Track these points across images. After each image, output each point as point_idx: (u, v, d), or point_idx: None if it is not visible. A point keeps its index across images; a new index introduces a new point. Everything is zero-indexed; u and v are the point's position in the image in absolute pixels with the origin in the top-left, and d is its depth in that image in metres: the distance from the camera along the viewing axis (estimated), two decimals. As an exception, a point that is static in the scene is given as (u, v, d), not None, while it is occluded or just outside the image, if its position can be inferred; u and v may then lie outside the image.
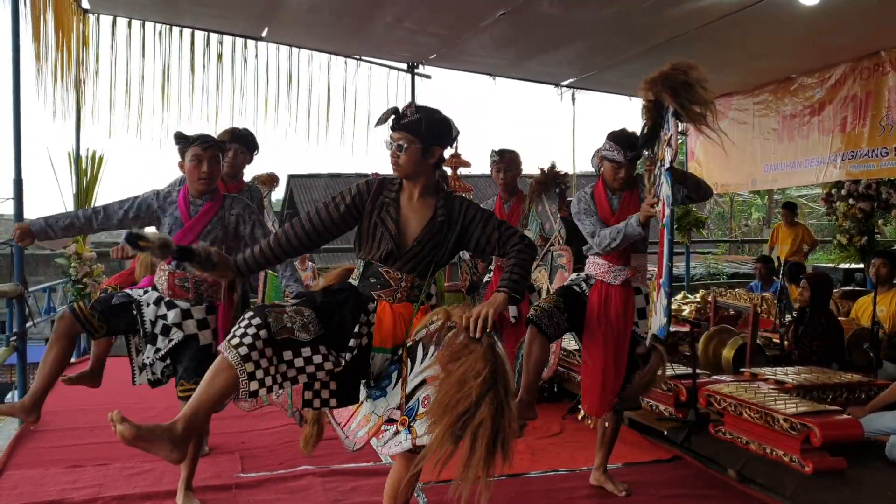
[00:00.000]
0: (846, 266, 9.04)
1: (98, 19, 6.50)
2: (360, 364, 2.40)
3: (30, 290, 5.01)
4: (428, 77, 7.73)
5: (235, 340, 2.15)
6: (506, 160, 4.64)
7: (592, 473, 3.63)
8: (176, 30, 6.66)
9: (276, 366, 2.19)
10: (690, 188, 3.24)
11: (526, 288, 2.44)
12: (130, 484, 3.55)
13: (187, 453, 3.19)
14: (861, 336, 5.09)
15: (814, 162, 7.38)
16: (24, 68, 4.74)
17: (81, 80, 6.40)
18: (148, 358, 3.17)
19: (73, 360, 7.06)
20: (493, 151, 4.66)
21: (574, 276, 3.67)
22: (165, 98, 6.73)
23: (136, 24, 6.54)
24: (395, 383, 2.39)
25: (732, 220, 23.93)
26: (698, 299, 6.44)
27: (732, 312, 6.13)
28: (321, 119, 7.34)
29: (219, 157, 3.21)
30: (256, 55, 6.98)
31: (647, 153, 3.29)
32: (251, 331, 2.16)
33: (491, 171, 4.72)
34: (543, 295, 4.25)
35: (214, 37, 6.80)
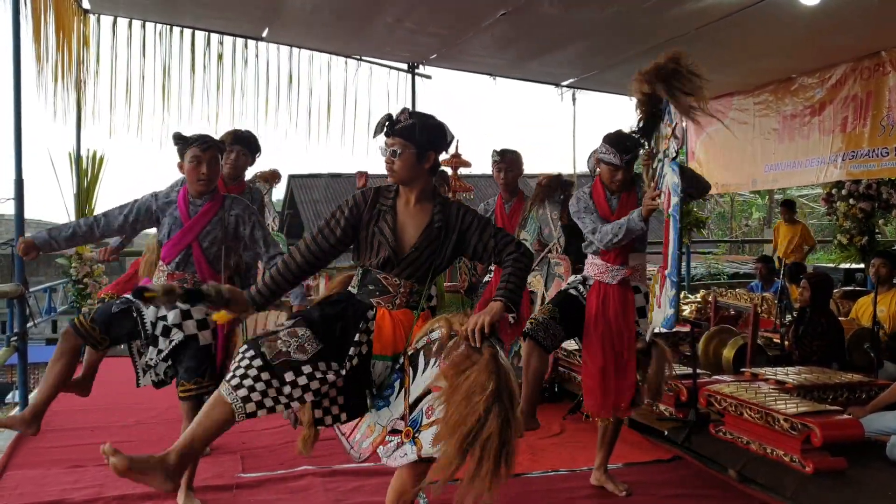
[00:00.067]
0: (847, 266, 9.05)
1: (98, 20, 6.50)
2: (361, 373, 2.41)
3: (30, 290, 5.01)
4: (428, 77, 7.73)
5: (235, 381, 2.17)
6: (507, 160, 4.64)
7: (593, 473, 3.63)
8: (176, 30, 6.66)
9: (277, 388, 2.19)
10: (688, 182, 3.23)
11: (521, 295, 2.44)
12: (131, 484, 3.51)
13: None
14: (861, 336, 5.09)
15: (814, 162, 7.38)
16: (25, 68, 4.75)
17: (82, 80, 6.40)
18: (151, 360, 3.17)
19: (73, 360, 7.07)
20: (494, 151, 4.66)
21: (572, 278, 3.67)
22: (166, 98, 6.74)
23: (136, 24, 6.55)
24: (398, 393, 2.38)
25: (733, 220, 23.91)
26: (699, 299, 6.45)
27: (733, 312, 6.13)
28: (321, 119, 7.35)
29: (218, 157, 3.20)
30: (257, 55, 6.99)
31: (643, 148, 3.29)
32: (244, 363, 2.19)
33: (492, 170, 4.72)
34: (538, 301, 4.25)
35: (215, 37, 6.81)
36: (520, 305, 2.49)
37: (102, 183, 7.01)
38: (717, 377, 4.55)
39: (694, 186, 3.25)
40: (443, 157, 7.90)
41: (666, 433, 4.28)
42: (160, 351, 3.14)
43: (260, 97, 7.06)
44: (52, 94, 5.90)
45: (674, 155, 2.94)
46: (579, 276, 3.58)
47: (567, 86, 8.24)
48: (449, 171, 8.31)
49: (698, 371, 4.38)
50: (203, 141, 3.15)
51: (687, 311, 6.15)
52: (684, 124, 2.92)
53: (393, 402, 2.39)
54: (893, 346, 5.20)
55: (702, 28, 5.83)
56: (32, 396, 5.30)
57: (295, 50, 7.12)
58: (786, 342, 5.06)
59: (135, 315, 3.15)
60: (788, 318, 5.22)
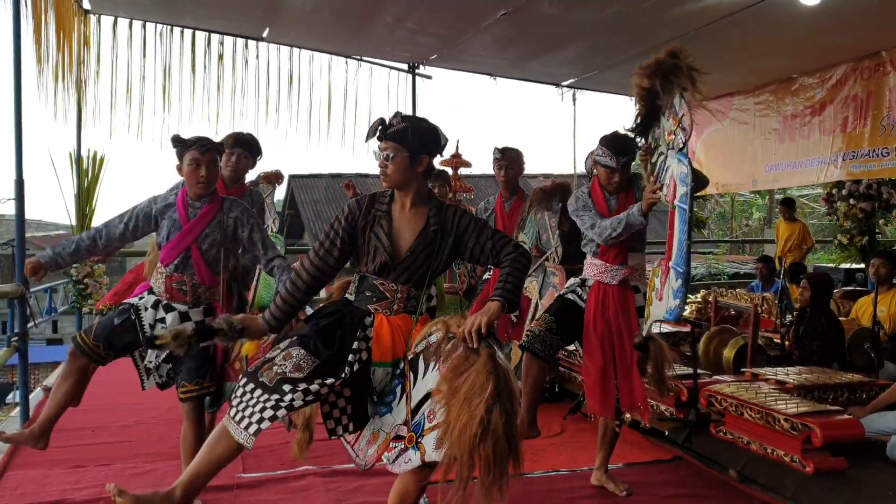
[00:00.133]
0: (847, 266, 9.05)
1: (99, 20, 6.51)
2: (362, 381, 2.42)
3: (31, 290, 5.01)
4: (429, 77, 7.74)
5: (238, 416, 2.22)
6: (508, 158, 4.64)
7: (593, 473, 3.63)
8: (177, 30, 6.67)
9: (277, 399, 2.23)
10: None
11: (519, 296, 2.44)
12: (132, 484, 3.55)
13: (190, 454, 3.21)
14: (862, 336, 5.08)
15: (815, 162, 7.38)
16: (26, 69, 4.74)
17: (82, 80, 6.41)
18: (150, 362, 3.18)
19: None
20: (495, 149, 4.67)
21: (571, 280, 3.66)
22: (166, 98, 6.75)
23: (136, 24, 6.55)
24: (400, 399, 2.38)
25: (733, 220, 23.90)
26: (699, 299, 6.44)
27: (733, 312, 6.13)
28: (322, 119, 7.36)
29: (217, 160, 3.20)
30: (257, 56, 7.00)
31: (639, 148, 3.29)
32: (246, 397, 2.24)
33: (493, 168, 4.72)
34: (531, 308, 4.24)
35: (215, 37, 6.81)
36: (518, 306, 2.47)
37: (103, 183, 7.02)
38: (717, 377, 4.54)
39: (693, 179, 3.24)
40: (443, 157, 7.92)
41: (666, 433, 4.27)
42: (158, 354, 3.15)
43: (260, 97, 7.08)
44: (52, 95, 5.93)
45: (681, 146, 2.93)
46: (577, 279, 3.58)
47: (567, 86, 8.25)
48: (449, 171, 8.30)
49: (699, 371, 4.38)
50: (202, 143, 3.14)
51: (687, 311, 6.14)
52: (691, 115, 2.91)
53: (395, 408, 2.39)
54: (894, 346, 5.20)
55: (702, 28, 5.84)
56: (33, 397, 5.30)
57: (295, 50, 7.13)
58: (786, 342, 5.05)
59: (132, 317, 3.16)
60: (789, 318, 5.22)
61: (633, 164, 3.49)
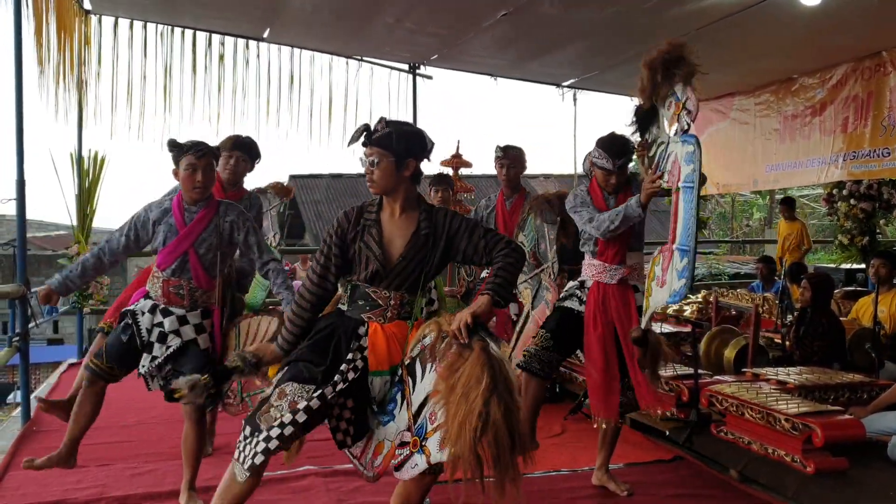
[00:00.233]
0: (847, 266, 9.05)
1: (100, 20, 6.51)
2: (359, 391, 2.42)
3: (32, 290, 5.01)
4: (429, 78, 7.74)
5: (245, 460, 2.33)
6: (510, 156, 4.64)
7: (594, 473, 3.63)
8: (178, 31, 6.67)
9: (280, 433, 2.33)
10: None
11: (511, 291, 2.43)
12: (133, 484, 3.56)
13: (190, 453, 3.22)
14: (862, 336, 5.08)
15: (815, 162, 7.38)
16: (27, 69, 4.76)
17: (83, 80, 6.41)
18: (143, 366, 3.18)
19: (74, 360, 7.08)
20: (497, 147, 4.67)
21: (569, 284, 3.65)
22: (167, 99, 6.75)
23: (137, 24, 6.55)
24: (401, 405, 2.38)
25: (734, 220, 23.89)
26: (700, 299, 6.43)
27: (734, 313, 6.12)
28: (323, 119, 7.35)
29: (213, 164, 3.20)
30: (258, 56, 6.99)
31: (636, 149, 3.28)
32: (252, 441, 2.33)
33: (495, 166, 4.72)
34: (522, 317, 4.24)
35: (216, 38, 6.81)
36: (509, 300, 2.46)
37: (104, 184, 7.00)
38: (718, 377, 4.54)
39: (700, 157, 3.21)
40: (444, 157, 7.86)
41: (667, 433, 4.28)
42: (154, 358, 3.15)
43: (261, 98, 7.07)
44: (53, 95, 5.93)
45: (686, 127, 2.92)
46: (576, 282, 3.57)
47: (568, 86, 8.25)
48: (450, 171, 8.30)
49: (700, 371, 4.38)
50: (198, 148, 3.14)
51: (688, 311, 6.14)
52: (696, 98, 2.89)
53: (397, 415, 2.39)
54: (894, 346, 5.20)
55: (702, 28, 5.83)
56: (34, 397, 5.30)
57: (296, 50, 7.13)
58: (787, 342, 5.05)
59: (129, 321, 3.19)
60: (789, 318, 5.21)
61: (632, 164, 3.49)
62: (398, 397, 2.40)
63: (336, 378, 2.37)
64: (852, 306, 6.01)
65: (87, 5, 6.35)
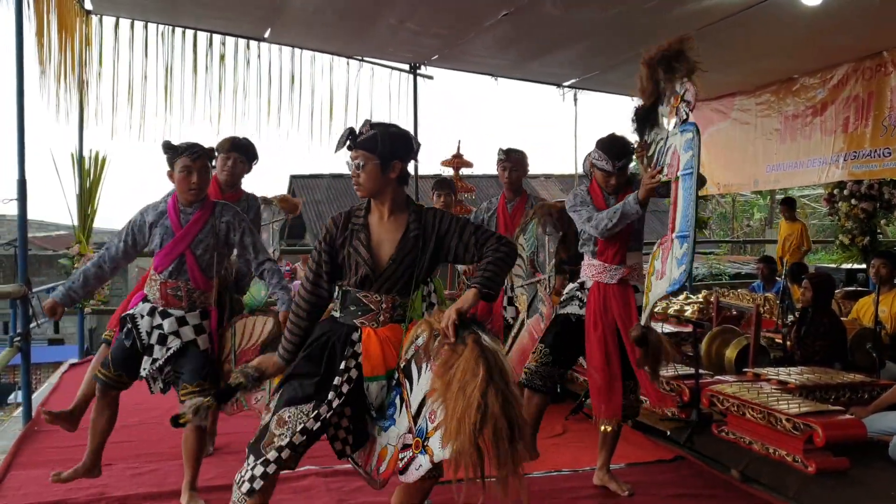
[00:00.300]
0: (848, 266, 9.05)
1: (101, 20, 6.51)
2: (356, 398, 2.42)
3: (33, 290, 5.01)
4: (430, 78, 7.74)
5: (244, 487, 2.36)
6: (513, 159, 4.64)
7: (595, 473, 3.63)
8: (178, 31, 6.67)
9: (287, 455, 2.37)
10: None
11: (501, 285, 2.40)
12: (134, 484, 3.56)
13: (191, 454, 3.22)
14: (863, 336, 5.08)
15: (816, 162, 7.38)
16: (28, 69, 4.75)
17: (84, 81, 6.41)
18: (145, 369, 3.19)
19: (77, 360, 7.09)
20: (500, 150, 4.66)
21: (569, 287, 3.64)
22: (168, 99, 6.75)
23: (138, 25, 6.56)
24: (401, 408, 2.36)
25: (734, 220, 23.89)
26: (701, 300, 6.43)
27: (735, 313, 6.12)
28: (324, 120, 7.35)
29: (208, 166, 3.21)
30: (259, 56, 6.99)
31: (636, 150, 3.28)
32: (257, 470, 2.36)
33: (497, 169, 4.71)
34: (516, 325, 4.25)
35: (217, 38, 6.81)
36: (498, 294, 2.44)
37: (105, 184, 7.01)
38: (719, 377, 4.55)
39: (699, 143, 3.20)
40: (445, 157, 7.84)
41: (668, 433, 4.28)
42: (154, 360, 3.17)
43: (262, 98, 7.08)
44: (54, 95, 5.94)
45: (685, 117, 2.92)
46: (576, 283, 3.57)
47: (569, 86, 8.25)
48: (451, 171, 8.28)
49: (701, 371, 4.38)
50: (193, 150, 3.15)
51: (689, 311, 6.14)
52: (695, 88, 2.89)
53: (398, 419, 2.37)
54: (895, 346, 5.20)
55: (703, 28, 5.83)
56: (35, 397, 5.29)
57: (297, 51, 7.13)
58: (788, 342, 5.05)
59: (129, 325, 3.21)
60: (790, 318, 5.22)
61: (632, 164, 3.49)
62: (397, 401, 2.39)
63: (330, 396, 2.37)
64: (853, 306, 6.01)
65: (88, 5, 6.36)
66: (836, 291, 6.22)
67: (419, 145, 2.55)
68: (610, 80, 7.78)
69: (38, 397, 5.46)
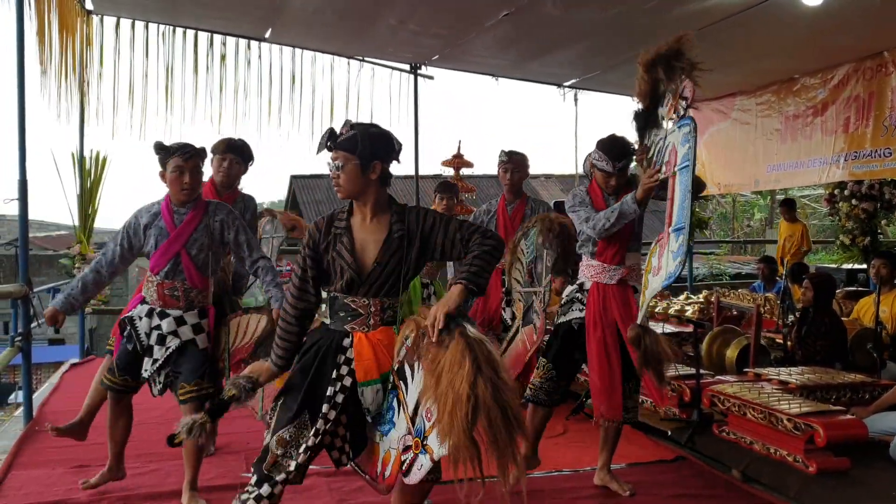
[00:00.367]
0: (849, 266, 9.04)
1: (102, 20, 6.51)
2: (352, 406, 2.41)
3: (34, 290, 5.01)
4: (431, 78, 7.74)
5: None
6: (514, 161, 4.64)
7: (596, 473, 3.63)
8: (179, 31, 6.67)
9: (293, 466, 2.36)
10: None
11: (487, 279, 2.37)
12: (135, 484, 3.56)
13: (191, 453, 3.22)
14: (864, 336, 5.08)
15: (817, 162, 7.37)
16: (29, 69, 4.75)
17: (85, 81, 6.41)
18: (146, 370, 3.19)
19: (77, 360, 7.09)
20: (502, 151, 4.66)
21: (568, 289, 3.63)
22: (169, 99, 6.75)
23: (139, 25, 6.56)
24: (398, 411, 2.35)
25: (735, 220, 23.90)
26: (702, 300, 6.44)
27: (736, 313, 6.13)
28: (324, 120, 7.34)
29: (200, 166, 3.22)
30: (260, 56, 6.99)
31: (635, 153, 3.28)
32: (263, 490, 2.34)
33: (498, 171, 4.71)
34: (511, 330, 4.26)
35: (218, 38, 6.81)
36: (485, 289, 2.41)
37: (105, 184, 7.01)
38: (720, 377, 4.55)
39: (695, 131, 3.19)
40: (445, 157, 7.80)
41: (669, 433, 4.28)
42: (155, 360, 3.18)
43: (263, 98, 7.08)
44: (55, 95, 5.94)
45: (682, 113, 2.91)
46: (575, 285, 3.56)
47: (569, 86, 8.25)
48: (451, 171, 8.28)
49: (702, 371, 4.38)
50: (185, 150, 3.16)
51: (690, 311, 6.15)
52: (692, 85, 2.89)
53: (397, 421, 2.36)
54: (896, 346, 5.20)
55: (704, 28, 5.83)
56: (35, 397, 5.30)
57: (298, 51, 7.13)
58: (789, 342, 5.05)
59: (128, 328, 3.22)
60: (791, 318, 5.22)
61: (632, 165, 3.48)
62: (394, 403, 2.37)
63: (324, 409, 2.36)
64: (854, 306, 6.01)
65: (88, 5, 6.36)
66: (837, 291, 6.22)
67: (401, 146, 2.51)
68: (610, 80, 7.78)
69: (38, 397, 5.46)
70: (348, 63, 7.35)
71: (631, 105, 3.21)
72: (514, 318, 4.28)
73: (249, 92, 7.00)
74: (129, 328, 3.23)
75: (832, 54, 6.85)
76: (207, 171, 3.78)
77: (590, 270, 3.46)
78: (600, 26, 6.12)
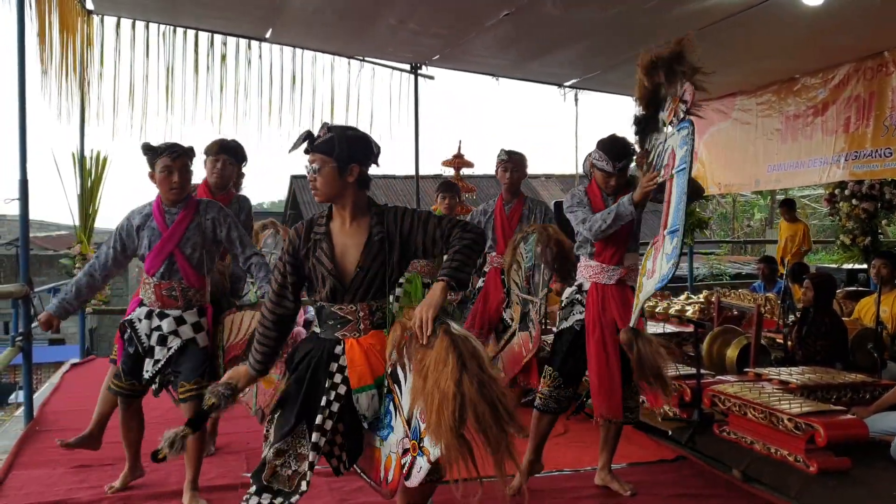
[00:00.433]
0: (849, 266, 9.04)
1: (102, 20, 6.52)
2: (348, 413, 2.41)
3: (35, 290, 5.01)
4: (431, 78, 7.75)
5: None
6: (514, 161, 4.65)
7: (597, 473, 3.63)
8: (180, 31, 6.68)
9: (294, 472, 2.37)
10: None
11: (469, 273, 2.35)
12: (136, 483, 3.56)
13: (192, 453, 3.23)
14: (865, 336, 5.08)
15: (817, 162, 7.37)
16: (30, 69, 4.75)
17: (86, 80, 6.42)
18: (147, 371, 3.20)
19: (77, 360, 7.08)
20: (502, 150, 4.67)
21: (567, 291, 3.63)
22: (169, 99, 6.76)
23: (139, 25, 6.57)
24: (395, 414, 2.34)
25: (735, 220, 23.90)
26: (702, 300, 6.44)
27: (736, 313, 6.13)
28: (325, 120, 7.34)
29: (188, 165, 3.23)
30: (260, 56, 7.01)
31: (636, 154, 3.28)
32: (266, 500, 2.34)
33: (497, 170, 4.72)
34: (508, 333, 4.25)
35: (218, 38, 6.82)
36: (467, 283, 2.39)
37: (106, 183, 7.02)
38: (720, 377, 4.54)
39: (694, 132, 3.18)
40: (446, 157, 7.81)
41: (670, 433, 4.28)
42: (157, 361, 3.19)
43: (263, 98, 7.09)
44: (56, 95, 5.95)
45: (683, 116, 2.91)
46: (574, 287, 3.56)
47: (569, 86, 8.25)
48: (452, 171, 8.27)
49: (702, 371, 4.38)
50: (172, 150, 3.18)
51: (690, 311, 6.15)
52: (693, 87, 2.89)
53: (395, 425, 2.35)
54: (896, 346, 5.20)
55: (704, 28, 5.82)
56: (36, 397, 5.30)
57: (298, 51, 7.14)
58: (789, 342, 5.05)
59: (128, 330, 3.23)
60: (792, 318, 5.22)
61: (632, 165, 3.48)
62: (391, 407, 2.36)
63: (318, 420, 2.35)
64: (854, 306, 6.01)
65: (89, 6, 6.37)
66: (838, 291, 6.22)
67: (379, 148, 2.49)
68: (610, 80, 7.79)
69: (39, 397, 5.46)
70: (349, 63, 7.36)
71: (631, 105, 3.22)
72: (513, 318, 4.29)
73: (250, 92, 7.02)
74: (129, 331, 3.24)
75: (832, 54, 6.86)
76: (200, 173, 3.81)
77: (588, 271, 3.46)
78: (600, 26, 6.12)
